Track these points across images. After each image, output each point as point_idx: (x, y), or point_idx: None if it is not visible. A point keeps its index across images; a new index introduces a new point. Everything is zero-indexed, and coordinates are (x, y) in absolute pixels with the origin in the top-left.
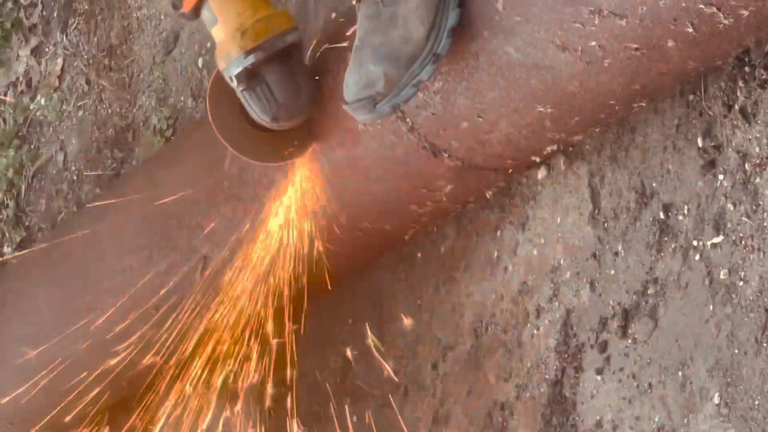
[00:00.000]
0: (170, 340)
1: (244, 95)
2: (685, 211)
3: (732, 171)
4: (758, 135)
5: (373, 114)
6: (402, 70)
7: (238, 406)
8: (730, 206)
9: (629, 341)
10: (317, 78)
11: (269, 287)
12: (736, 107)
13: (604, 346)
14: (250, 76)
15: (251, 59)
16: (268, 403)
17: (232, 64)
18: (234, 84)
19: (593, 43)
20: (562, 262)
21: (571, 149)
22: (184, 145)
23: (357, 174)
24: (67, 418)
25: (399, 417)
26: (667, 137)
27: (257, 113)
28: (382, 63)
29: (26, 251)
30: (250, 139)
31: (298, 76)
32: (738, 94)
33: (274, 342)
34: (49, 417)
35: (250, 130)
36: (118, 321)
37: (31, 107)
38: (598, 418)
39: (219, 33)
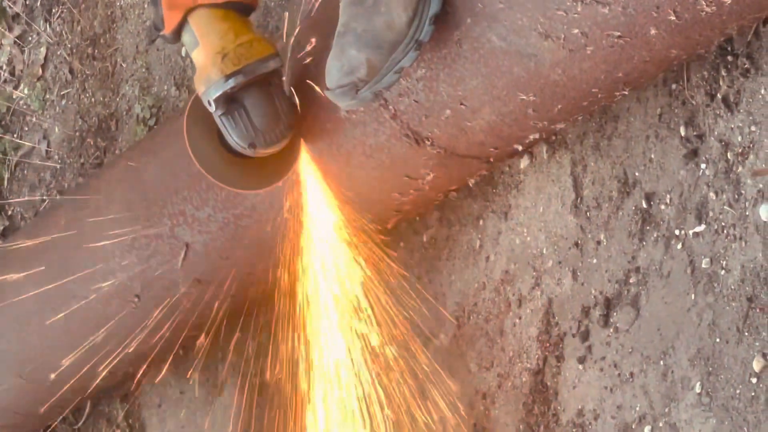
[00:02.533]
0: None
1: (221, 120)
2: (668, 200)
3: (714, 160)
4: (740, 124)
5: (355, 100)
6: (384, 56)
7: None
8: (712, 195)
9: (611, 330)
10: (296, 105)
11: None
12: (719, 96)
13: (585, 335)
14: (228, 101)
15: (231, 83)
16: None
17: (211, 87)
18: (212, 108)
19: (576, 31)
20: (544, 250)
21: (553, 138)
22: (167, 133)
23: (339, 161)
24: (42, 409)
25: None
26: (650, 126)
27: (234, 139)
28: (364, 49)
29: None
30: (227, 165)
31: (278, 102)
32: (721, 83)
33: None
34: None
35: (227, 156)
36: (99, 309)
37: (14, 96)
38: (579, 407)
39: (199, 56)
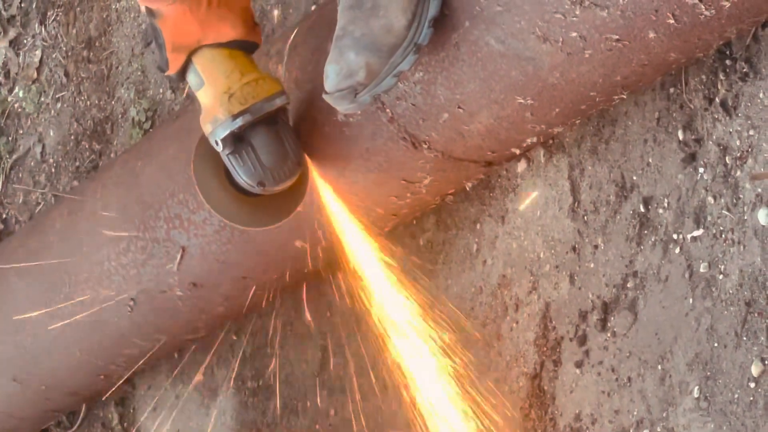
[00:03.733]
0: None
1: (229, 159)
2: (666, 204)
3: (712, 164)
4: (739, 128)
5: (354, 104)
6: (383, 59)
7: (218, 400)
8: (710, 199)
9: (608, 334)
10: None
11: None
12: (717, 100)
13: (583, 340)
14: (236, 140)
15: (238, 122)
16: None
17: (218, 127)
18: (220, 148)
19: (574, 34)
20: (541, 255)
21: (551, 142)
22: (163, 136)
23: (336, 164)
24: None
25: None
26: (648, 130)
27: (243, 178)
28: (363, 53)
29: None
30: (236, 203)
31: (285, 139)
32: (719, 87)
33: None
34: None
35: (236, 194)
36: (94, 312)
37: (9, 99)
38: (577, 411)
39: (205, 96)
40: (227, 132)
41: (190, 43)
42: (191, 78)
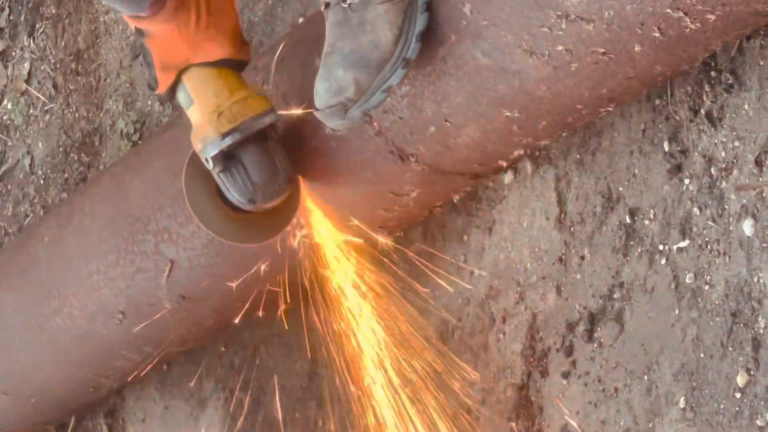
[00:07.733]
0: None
1: (220, 177)
2: (651, 216)
3: (698, 175)
4: (724, 139)
5: (345, 120)
6: (372, 75)
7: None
8: (696, 210)
9: (595, 345)
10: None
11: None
12: (703, 112)
13: (570, 350)
14: (226, 158)
15: (228, 141)
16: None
17: (208, 146)
18: (210, 166)
19: (560, 48)
20: (528, 266)
21: (538, 153)
22: (151, 149)
23: (324, 178)
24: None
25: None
26: (634, 141)
27: (234, 195)
28: (351, 69)
29: None
30: (227, 220)
31: (275, 156)
32: (704, 98)
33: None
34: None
35: (227, 211)
36: (84, 325)
37: None
38: (564, 422)
39: (195, 114)
40: (217, 150)
41: (179, 62)
42: (181, 96)
